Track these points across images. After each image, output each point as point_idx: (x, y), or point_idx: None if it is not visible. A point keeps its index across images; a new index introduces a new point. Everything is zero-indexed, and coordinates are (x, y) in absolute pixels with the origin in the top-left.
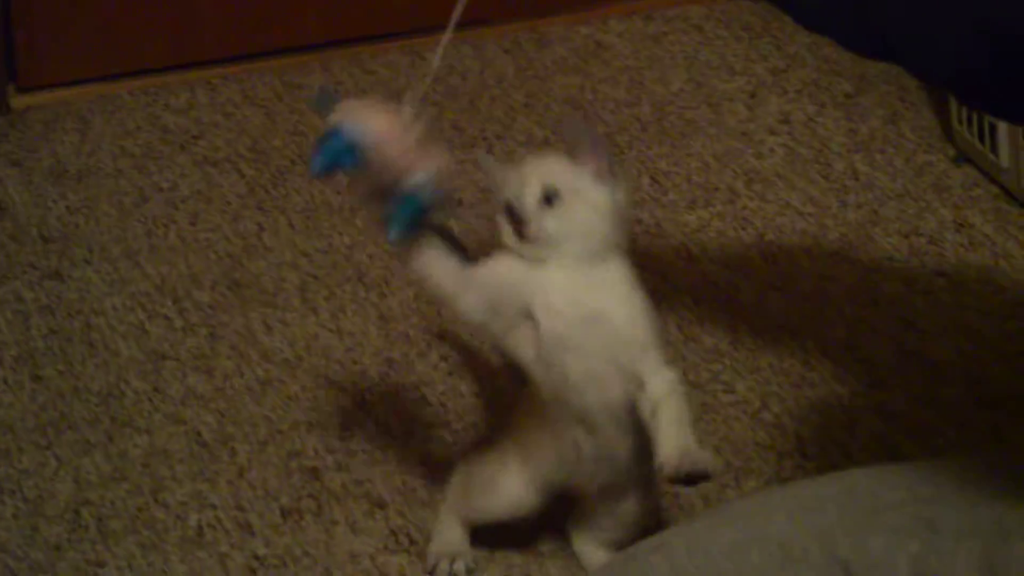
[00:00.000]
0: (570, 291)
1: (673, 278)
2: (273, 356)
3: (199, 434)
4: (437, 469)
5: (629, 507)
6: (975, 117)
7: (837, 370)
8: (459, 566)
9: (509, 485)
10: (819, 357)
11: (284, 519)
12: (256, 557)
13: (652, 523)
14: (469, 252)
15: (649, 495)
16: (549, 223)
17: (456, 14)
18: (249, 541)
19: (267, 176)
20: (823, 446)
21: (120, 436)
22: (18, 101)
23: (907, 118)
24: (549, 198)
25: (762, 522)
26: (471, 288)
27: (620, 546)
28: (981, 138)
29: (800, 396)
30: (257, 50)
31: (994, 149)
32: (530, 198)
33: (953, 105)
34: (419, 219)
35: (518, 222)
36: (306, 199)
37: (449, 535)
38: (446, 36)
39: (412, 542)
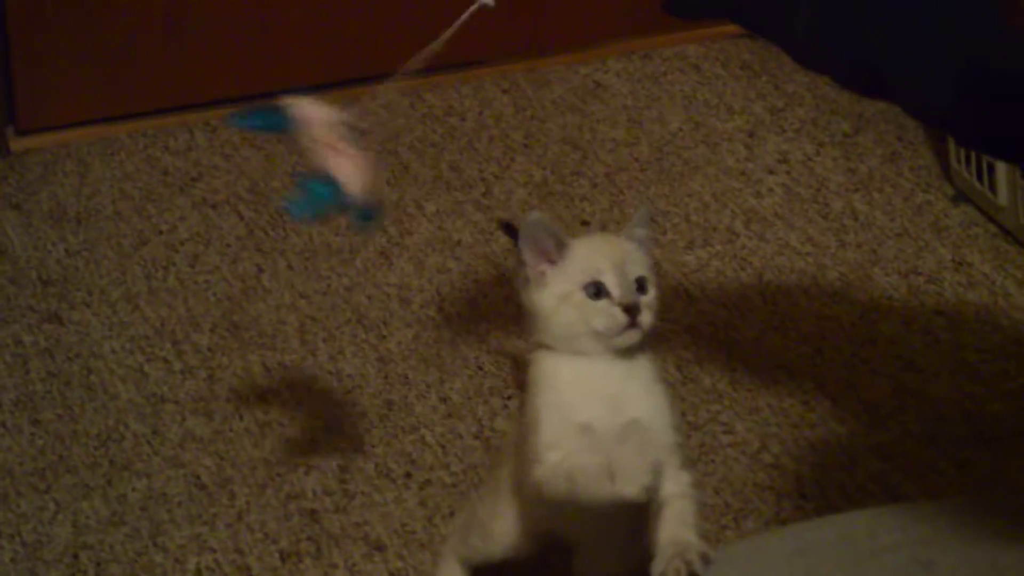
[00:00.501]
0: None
1: (672, 318)
2: (272, 399)
3: (198, 477)
4: (436, 511)
5: (625, 541)
6: (973, 156)
7: (836, 410)
8: None
9: (502, 530)
10: (818, 397)
11: (283, 562)
12: None
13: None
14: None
15: (643, 524)
16: (646, 314)
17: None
18: None
19: (266, 218)
20: (822, 486)
21: (119, 480)
22: (17, 144)
23: (906, 157)
24: (643, 286)
25: (760, 565)
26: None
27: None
28: (979, 177)
29: (799, 436)
30: (255, 92)
31: (992, 188)
32: (630, 283)
33: (952, 144)
34: (320, 211)
35: (630, 310)
36: (305, 241)
37: (448, 574)
38: (449, 33)
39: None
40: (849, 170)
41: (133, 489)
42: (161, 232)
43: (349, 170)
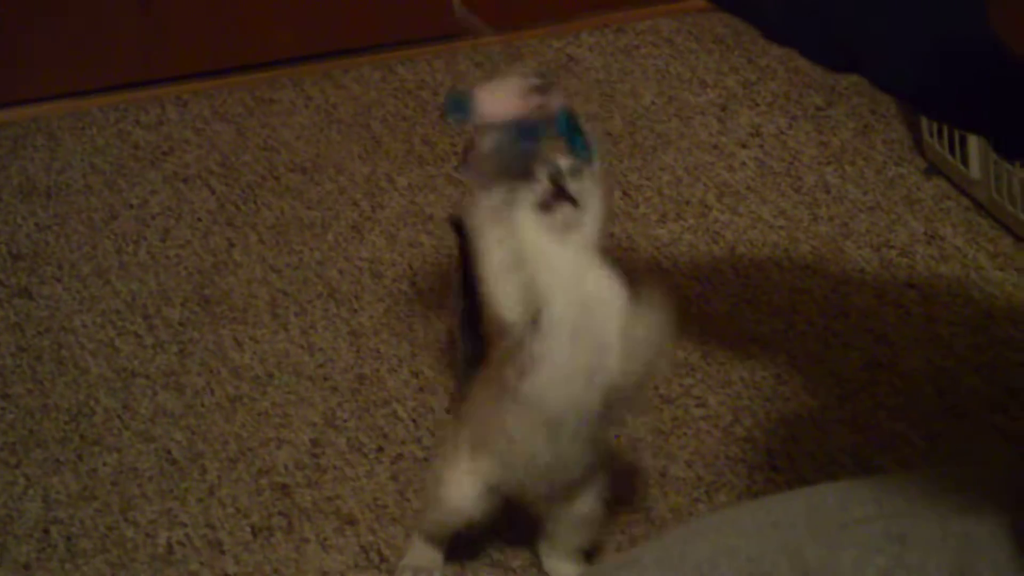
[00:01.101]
0: (576, 273)
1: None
2: (243, 373)
3: (169, 452)
4: (408, 485)
5: (582, 509)
6: (945, 129)
7: (808, 383)
8: None
9: (457, 485)
10: (790, 370)
11: (254, 537)
12: (227, 575)
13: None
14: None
15: (600, 495)
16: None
17: None
18: (219, 559)
19: (237, 192)
20: (794, 459)
21: (89, 454)
22: None
23: (878, 131)
24: (577, 170)
25: (732, 537)
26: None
27: (587, 552)
28: (952, 150)
29: (771, 409)
30: (227, 65)
31: (964, 161)
32: (564, 166)
33: (924, 118)
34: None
35: (558, 193)
36: (276, 215)
37: (421, 550)
38: None
39: (383, 559)
40: (821, 143)
41: (104, 464)
42: (132, 206)
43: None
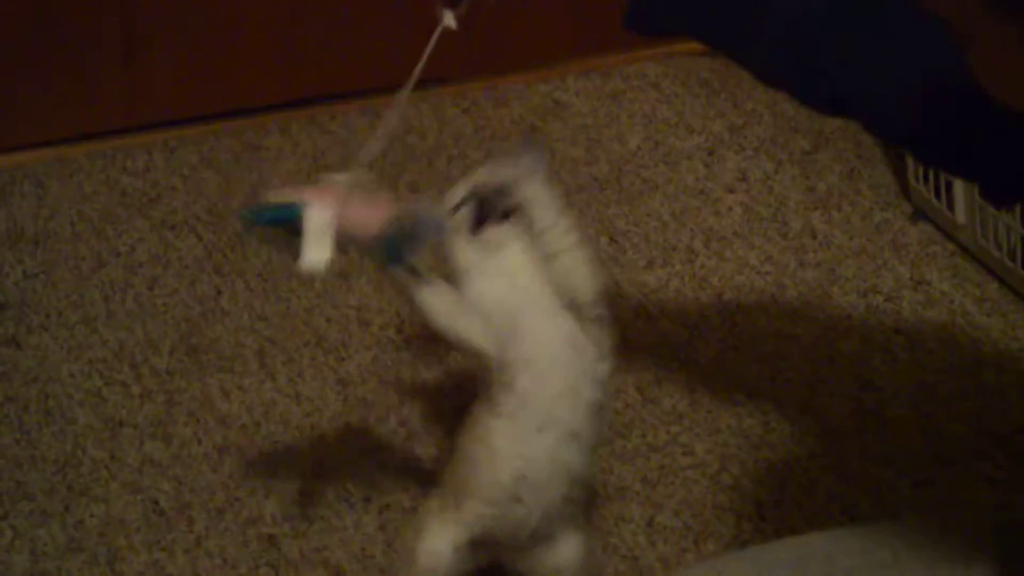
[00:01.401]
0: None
1: (632, 338)
2: (231, 422)
3: (156, 502)
4: (395, 535)
5: (561, 556)
6: (931, 174)
7: (795, 430)
8: None
9: (436, 536)
10: (777, 418)
11: None
12: None
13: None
14: None
15: (580, 543)
16: None
17: (414, 76)
18: None
19: (224, 239)
20: (782, 508)
21: (77, 505)
22: None
23: (864, 175)
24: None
25: None
26: (468, 311)
27: None
28: (938, 195)
29: (759, 457)
30: (214, 111)
31: (950, 206)
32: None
33: (910, 162)
34: (399, 254)
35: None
36: (264, 262)
37: None
38: (403, 93)
39: None
40: (808, 188)
41: (91, 515)
42: (119, 254)
43: (388, 214)
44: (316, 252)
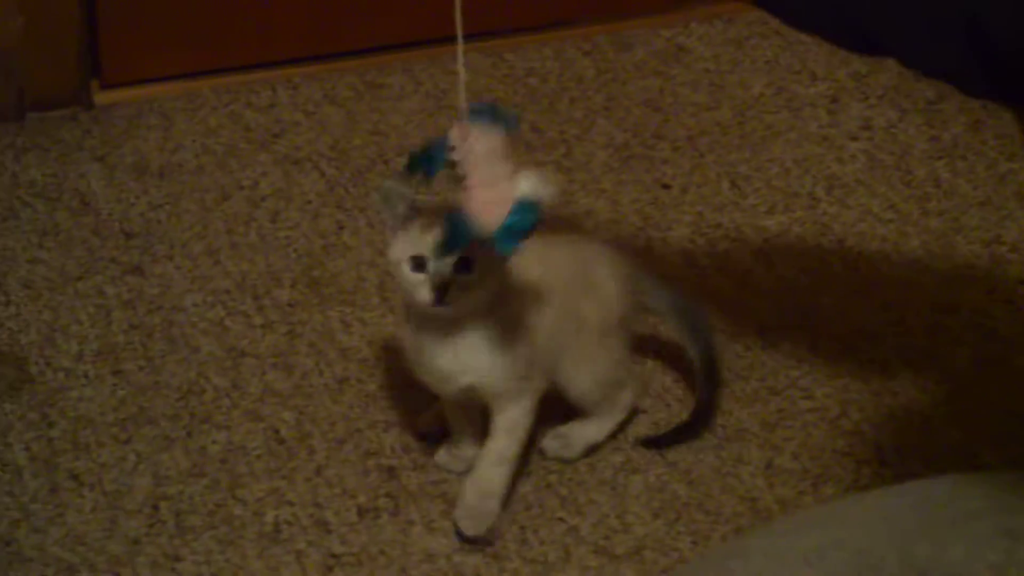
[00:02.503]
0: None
1: (752, 283)
2: (351, 354)
3: (277, 431)
4: (516, 471)
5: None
6: None
7: (917, 378)
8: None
9: None
10: (899, 365)
11: (360, 517)
12: (332, 555)
13: None
14: None
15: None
16: (457, 293)
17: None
18: (325, 539)
19: (347, 175)
20: (902, 454)
21: (199, 432)
22: (102, 97)
23: (989, 126)
24: (468, 266)
25: (839, 529)
26: None
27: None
28: None
29: (879, 403)
30: (338, 50)
31: None
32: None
33: None
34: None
35: (441, 288)
36: None
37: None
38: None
39: (488, 543)
40: (932, 137)
41: (213, 442)
42: (243, 187)
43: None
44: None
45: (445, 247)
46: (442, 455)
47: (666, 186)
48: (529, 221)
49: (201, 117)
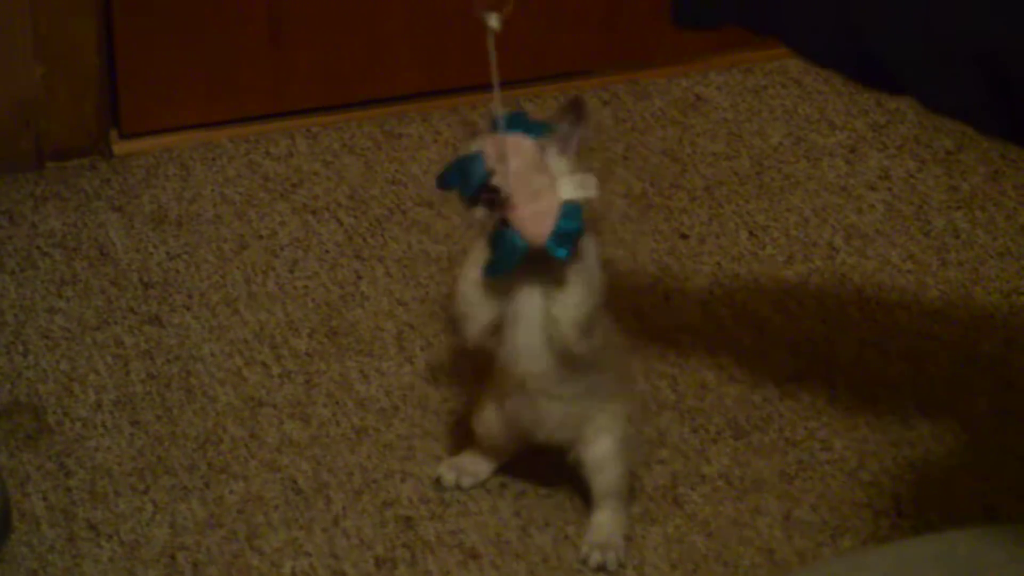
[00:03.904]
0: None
1: (771, 333)
2: (369, 405)
3: (295, 481)
4: (531, 522)
5: (598, 452)
6: None
7: (935, 429)
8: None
9: (483, 431)
10: (917, 416)
11: (378, 568)
12: None
13: None
14: None
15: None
16: None
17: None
18: None
19: (365, 225)
20: (920, 505)
21: (216, 482)
22: (121, 147)
23: (1009, 175)
24: None
25: None
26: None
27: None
28: None
29: (898, 455)
30: (356, 99)
31: None
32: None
33: None
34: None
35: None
36: (404, 248)
37: (471, 456)
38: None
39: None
40: (951, 187)
41: (230, 492)
42: (261, 237)
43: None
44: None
45: (496, 267)
46: (447, 474)
47: (684, 236)
48: (578, 223)
49: (219, 167)
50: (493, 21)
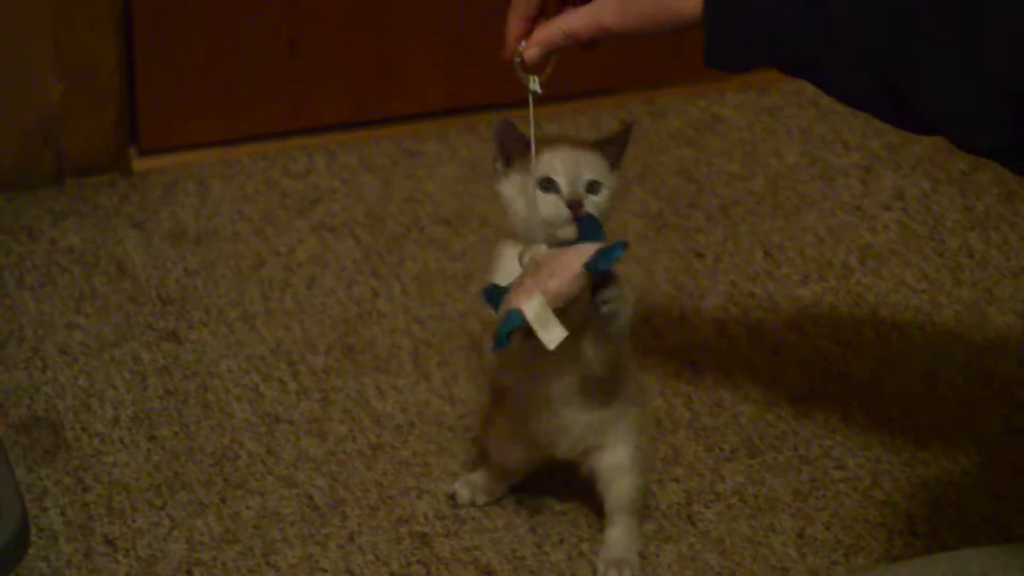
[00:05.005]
0: None
1: (785, 353)
2: (385, 422)
3: (311, 498)
4: (546, 538)
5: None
6: None
7: (949, 449)
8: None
9: (496, 446)
10: (931, 435)
11: None
12: None
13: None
14: None
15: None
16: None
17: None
18: None
19: (382, 242)
20: (933, 525)
21: (233, 498)
22: (140, 164)
23: (1022, 196)
24: (594, 189)
25: None
26: None
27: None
28: None
29: (911, 474)
30: (375, 117)
31: None
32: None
33: None
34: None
35: (573, 206)
36: (420, 266)
37: (486, 474)
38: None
39: None
40: (966, 208)
41: (247, 507)
42: (279, 254)
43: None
44: (548, 334)
45: (502, 338)
46: (462, 491)
47: (700, 255)
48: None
49: (238, 184)
50: (535, 85)
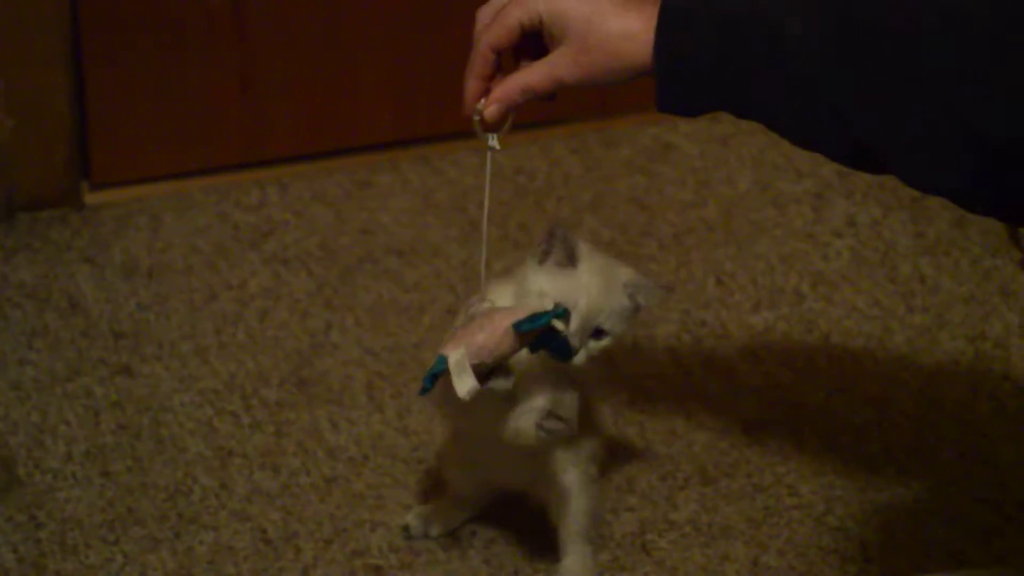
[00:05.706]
0: None
1: (738, 380)
2: (339, 454)
3: (264, 531)
4: (500, 570)
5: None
6: None
7: (901, 474)
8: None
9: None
10: (883, 461)
11: None
12: None
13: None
14: None
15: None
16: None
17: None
18: None
19: (335, 274)
20: (887, 551)
21: (186, 533)
22: (91, 198)
23: (973, 222)
24: (600, 333)
25: None
26: None
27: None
28: None
29: (864, 500)
30: (327, 149)
31: None
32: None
33: None
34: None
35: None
36: (374, 297)
37: (443, 505)
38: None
39: None
40: (917, 234)
41: (200, 543)
42: (231, 287)
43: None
44: (461, 384)
45: (426, 380)
46: (415, 522)
47: None
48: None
49: (190, 217)
50: (493, 142)
